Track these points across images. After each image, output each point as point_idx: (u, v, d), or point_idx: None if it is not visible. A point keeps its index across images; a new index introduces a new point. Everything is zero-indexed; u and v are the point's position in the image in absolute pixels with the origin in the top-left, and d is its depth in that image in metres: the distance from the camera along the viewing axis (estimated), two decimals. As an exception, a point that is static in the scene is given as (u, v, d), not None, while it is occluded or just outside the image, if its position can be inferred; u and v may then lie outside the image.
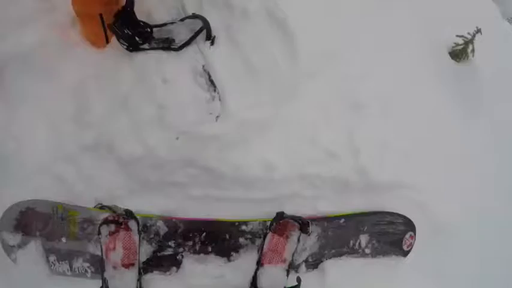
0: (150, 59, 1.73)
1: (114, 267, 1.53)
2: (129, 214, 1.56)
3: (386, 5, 2.21)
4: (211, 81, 1.76)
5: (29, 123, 1.81)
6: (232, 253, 1.69)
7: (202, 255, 1.69)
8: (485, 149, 2.24)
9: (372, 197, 1.88)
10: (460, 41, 2.32)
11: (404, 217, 1.88)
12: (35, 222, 1.60)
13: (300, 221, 1.62)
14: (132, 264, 1.56)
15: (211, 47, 1.84)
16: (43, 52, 1.88)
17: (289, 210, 1.69)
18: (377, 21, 2.14)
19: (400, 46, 2.16)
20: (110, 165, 1.66)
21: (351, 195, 1.86)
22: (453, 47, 2.37)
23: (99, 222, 1.55)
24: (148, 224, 1.62)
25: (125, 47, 1.75)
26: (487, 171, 2.18)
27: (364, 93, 1.94)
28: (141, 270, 1.60)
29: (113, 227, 1.53)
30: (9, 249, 1.61)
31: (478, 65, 2.40)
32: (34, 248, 1.61)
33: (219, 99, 1.72)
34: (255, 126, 1.69)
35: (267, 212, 1.69)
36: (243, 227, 1.68)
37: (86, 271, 1.62)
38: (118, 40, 1.75)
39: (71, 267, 1.62)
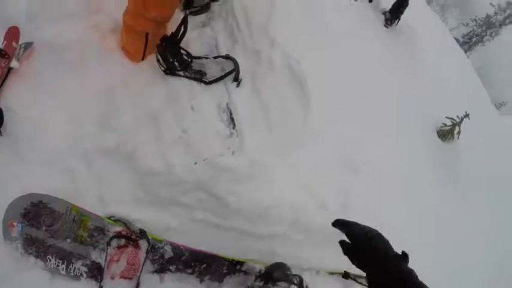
0: (183, 85, 1.91)
1: (112, 278, 1.62)
2: (143, 234, 1.66)
3: (390, 82, 2.52)
4: (232, 119, 1.95)
5: (51, 112, 1.89)
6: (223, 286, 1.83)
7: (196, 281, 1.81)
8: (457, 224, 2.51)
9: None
10: (449, 122, 2.58)
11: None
12: (44, 217, 1.64)
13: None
14: (131, 278, 1.65)
15: (237, 88, 2.04)
16: (79, 50, 2.00)
17: (279, 251, 1.87)
18: (378, 93, 2.43)
19: (395, 118, 2.44)
20: (124, 171, 1.77)
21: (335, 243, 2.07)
22: (441, 126, 2.63)
23: (111, 234, 1.65)
24: (156, 246, 1.72)
25: (163, 68, 1.90)
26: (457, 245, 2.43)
27: (358, 158, 2.19)
28: (139, 285, 1.67)
29: (123, 241, 1.63)
30: (8, 236, 1.64)
31: (461, 147, 2.68)
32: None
33: (237, 136, 1.90)
34: (263, 167, 1.88)
35: (256, 248, 1.86)
36: (238, 266, 1.82)
37: (81, 274, 1.66)
38: (157, 61, 1.91)
39: (67, 267, 1.65)
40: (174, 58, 1.88)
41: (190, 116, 1.84)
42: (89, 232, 1.68)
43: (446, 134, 2.63)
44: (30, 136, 1.84)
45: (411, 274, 1.00)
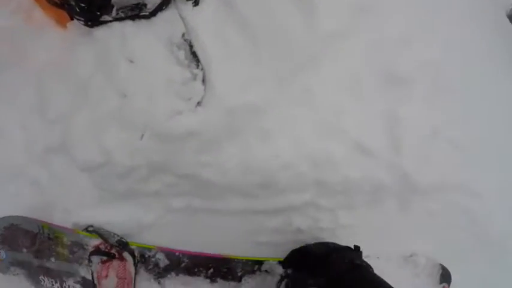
0: (113, 33, 1.35)
1: None
2: (123, 246, 1.33)
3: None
4: (194, 54, 1.34)
5: (2, 121, 1.58)
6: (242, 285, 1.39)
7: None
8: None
9: (410, 203, 1.44)
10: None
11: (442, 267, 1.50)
12: (21, 238, 1.49)
13: None
14: (128, 293, 1.35)
15: (195, 8, 1.40)
16: (10, 40, 1.61)
17: (302, 224, 1.29)
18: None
19: (450, 7, 1.57)
20: (76, 170, 1.36)
21: (383, 201, 1.41)
22: (512, 8, 1.76)
23: (89, 249, 1.38)
24: (146, 255, 1.38)
25: (82, 22, 1.38)
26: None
27: (407, 64, 1.42)
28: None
29: (104, 257, 1.34)
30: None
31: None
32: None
33: (202, 79, 1.30)
34: (252, 112, 1.26)
35: (273, 227, 1.30)
36: (256, 267, 1.36)
37: (77, 292, 1.46)
38: (74, 16, 1.39)
39: (61, 285, 1.48)
40: (86, 3, 1.33)
41: (129, 71, 1.30)
42: (68, 249, 1.43)
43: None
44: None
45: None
